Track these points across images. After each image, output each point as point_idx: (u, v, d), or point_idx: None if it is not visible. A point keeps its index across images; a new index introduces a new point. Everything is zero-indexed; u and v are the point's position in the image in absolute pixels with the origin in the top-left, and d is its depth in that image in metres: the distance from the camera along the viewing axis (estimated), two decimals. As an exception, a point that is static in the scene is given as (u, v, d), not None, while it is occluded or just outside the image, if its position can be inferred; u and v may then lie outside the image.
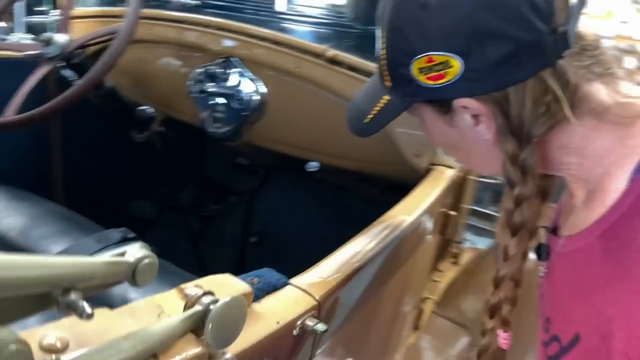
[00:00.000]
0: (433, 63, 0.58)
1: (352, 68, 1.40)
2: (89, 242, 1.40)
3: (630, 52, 4.30)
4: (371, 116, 0.72)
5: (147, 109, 1.64)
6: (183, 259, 1.35)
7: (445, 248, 2.13)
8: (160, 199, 2.11)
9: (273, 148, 1.63)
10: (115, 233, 1.44)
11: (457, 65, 0.57)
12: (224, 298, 0.50)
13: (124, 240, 1.45)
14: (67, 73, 1.65)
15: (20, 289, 0.37)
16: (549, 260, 0.67)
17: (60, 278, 0.39)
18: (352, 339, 0.91)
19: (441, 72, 0.58)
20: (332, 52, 1.41)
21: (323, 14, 3.76)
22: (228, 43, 1.58)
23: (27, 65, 1.52)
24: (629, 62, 4.30)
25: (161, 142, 1.88)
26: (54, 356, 0.40)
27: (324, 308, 0.66)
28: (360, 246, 0.83)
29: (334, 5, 3.85)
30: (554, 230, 0.69)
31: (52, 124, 1.85)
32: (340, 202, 1.86)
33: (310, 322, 0.62)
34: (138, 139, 1.84)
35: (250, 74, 1.57)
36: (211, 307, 0.50)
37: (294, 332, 0.61)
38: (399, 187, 1.25)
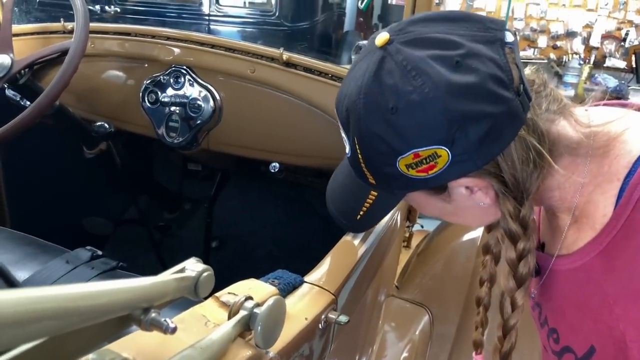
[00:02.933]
0: (420, 158, 0.58)
1: (307, 69, 1.44)
2: (58, 263, 1.38)
3: (543, 32, 4.57)
4: (362, 213, 0.70)
5: (104, 124, 1.61)
6: (148, 270, 1.35)
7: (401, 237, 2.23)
8: (113, 213, 2.07)
9: (232, 152, 1.65)
10: (84, 252, 1.42)
11: (445, 154, 0.58)
12: (268, 301, 0.54)
13: (93, 259, 1.43)
14: (11, 93, 1.60)
15: (107, 314, 0.40)
16: (540, 276, 0.70)
17: (141, 299, 0.42)
18: (348, 329, 0.97)
19: (431, 163, 0.59)
20: (286, 55, 1.45)
21: (249, 14, 3.76)
22: (177, 52, 1.59)
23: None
24: (542, 41, 4.57)
25: (111, 156, 1.85)
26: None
27: (340, 300, 0.70)
28: (354, 241, 0.88)
29: (256, 4, 3.86)
30: (540, 247, 0.72)
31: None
32: (298, 199, 1.90)
33: (332, 315, 0.67)
34: (88, 154, 1.81)
35: (202, 81, 1.58)
36: (255, 310, 0.54)
37: (320, 326, 0.66)
38: None
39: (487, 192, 0.63)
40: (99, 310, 0.38)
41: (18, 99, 1.62)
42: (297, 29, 3.54)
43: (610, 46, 4.45)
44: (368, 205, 0.69)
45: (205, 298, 0.56)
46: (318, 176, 1.73)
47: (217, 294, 0.59)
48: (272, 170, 1.59)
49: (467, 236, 2.04)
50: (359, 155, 0.63)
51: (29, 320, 0.31)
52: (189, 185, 2.11)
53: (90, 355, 0.37)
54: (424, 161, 0.59)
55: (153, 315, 0.42)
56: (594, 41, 4.46)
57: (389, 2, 4.22)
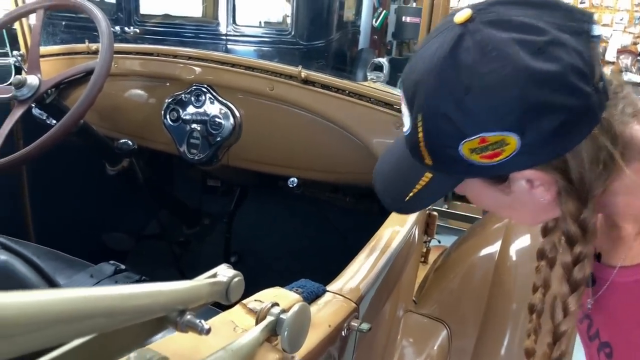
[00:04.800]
0: (487, 143, 0.56)
1: (325, 86, 1.48)
2: (83, 277, 1.42)
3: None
4: (412, 194, 0.67)
5: (127, 141, 1.66)
6: None
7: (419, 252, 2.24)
8: (134, 228, 2.11)
9: (250, 168, 1.68)
10: (108, 266, 1.46)
11: (513, 142, 0.55)
12: (293, 307, 0.56)
13: (116, 273, 1.47)
14: (37, 112, 1.66)
15: (148, 314, 0.42)
16: (595, 286, 0.68)
17: (178, 302, 0.44)
18: (369, 340, 0.98)
19: (497, 150, 0.56)
20: (305, 72, 1.49)
21: (265, 33, 3.82)
22: (199, 71, 1.63)
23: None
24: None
25: (132, 172, 1.89)
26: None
27: (361, 309, 0.72)
28: (374, 253, 0.90)
29: (272, 24, 3.93)
30: (596, 257, 0.69)
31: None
32: (316, 214, 1.92)
33: (354, 323, 0.69)
34: (110, 171, 1.85)
35: (223, 99, 1.62)
36: (282, 316, 0.56)
37: (343, 333, 0.68)
38: (372, 194, 1.33)
39: (550, 188, 0.61)
40: (141, 310, 0.41)
41: (44, 118, 1.68)
42: (313, 48, 3.59)
43: (626, 61, 4.45)
44: (419, 187, 0.66)
45: (232, 306, 0.59)
46: (335, 191, 1.76)
47: (244, 301, 0.61)
48: (291, 185, 1.62)
49: (485, 251, 2.04)
50: (420, 135, 0.60)
51: (83, 317, 0.34)
52: (208, 201, 2.14)
53: (132, 354, 0.40)
54: (490, 147, 0.56)
55: (189, 317, 0.45)
56: (610, 56, 4.46)
57: (403, 20, 4.27)
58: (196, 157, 1.67)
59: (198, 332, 0.45)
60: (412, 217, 1.07)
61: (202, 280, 0.49)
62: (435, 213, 1.44)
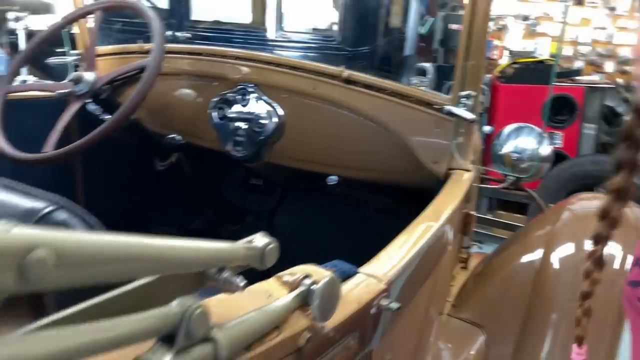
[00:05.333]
0: None
1: (367, 86, 1.51)
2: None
3: (610, 56, 4.48)
4: None
5: (175, 136, 1.73)
6: None
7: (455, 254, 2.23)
8: (179, 223, 2.18)
9: (292, 165, 1.73)
10: None
11: None
12: (324, 279, 0.60)
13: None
14: (92, 107, 1.75)
15: (191, 266, 0.46)
16: None
17: (218, 259, 0.48)
18: (398, 330, 1.00)
19: None
20: (347, 72, 1.52)
21: (312, 39, 3.89)
22: (245, 70, 1.69)
23: (52, 104, 1.61)
24: (609, 66, 4.49)
25: (181, 168, 1.97)
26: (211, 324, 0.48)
27: (392, 292, 0.75)
28: (408, 243, 0.92)
29: (318, 29, 3.99)
30: None
31: (74, 158, 1.93)
32: (356, 215, 1.95)
33: (383, 302, 0.71)
34: (159, 166, 1.93)
35: (267, 98, 1.67)
36: (312, 287, 0.59)
37: (372, 311, 0.70)
38: (414, 197, 1.35)
39: None
40: (183, 262, 0.44)
41: (99, 113, 1.77)
42: (358, 53, 3.63)
43: None
44: None
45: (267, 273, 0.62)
46: (375, 192, 1.78)
47: (278, 274, 0.65)
48: (330, 184, 1.65)
49: (526, 258, 2.02)
50: None
51: (133, 259, 0.38)
52: (251, 199, 2.20)
53: (174, 302, 0.43)
54: None
55: (226, 274, 0.49)
56: None
57: (450, 27, 4.26)
58: (240, 154, 1.72)
59: (234, 289, 0.48)
60: (445, 214, 1.08)
61: (239, 243, 0.52)
62: (473, 213, 1.45)
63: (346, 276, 0.73)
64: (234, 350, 0.48)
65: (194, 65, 1.78)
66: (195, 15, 3.80)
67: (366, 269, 0.77)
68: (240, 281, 0.49)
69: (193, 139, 1.86)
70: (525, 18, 4.86)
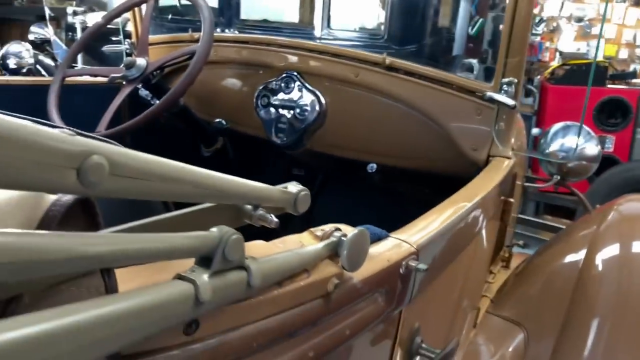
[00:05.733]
0: None
1: (409, 73, 1.53)
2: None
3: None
4: None
5: (221, 120, 1.79)
6: None
7: (497, 252, 2.22)
8: None
9: (332, 153, 1.76)
10: None
11: None
12: (353, 230, 0.63)
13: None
14: (144, 93, 1.82)
15: (227, 198, 0.50)
16: None
17: (254, 196, 0.52)
18: (434, 304, 1.02)
19: None
20: (389, 59, 1.55)
21: (358, 37, 3.92)
22: (289, 59, 1.74)
23: (109, 88, 1.70)
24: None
25: (226, 155, 2.03)
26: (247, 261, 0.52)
27: (421, 256, 0.77)
28: (442, 215, 0.94)
29: (365, 28, 4.03)
30: None
31: (125, 141, 2.02)
32: (396, 203, 1.96)
33: (412, 263, 0.74)
34: (205, 152, 2.00)
35: (310, 86, 1.71)
36: (342, 238, 0.62)
37: (401, 270, 0.73)
38: (455, 186, 1.36)
39: None
40: (222, 192, 0.48)
41: (149, 99, 1.85)
42: (405, 52, 3.64)
43: None
44: None
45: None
46: (416, 180, 1.79)
47: (311, 229, 0.68)
48: (370, 171, 1.68)
49: (569, 258, 2.00)
50: None
51: (177, 180, 0.42)
52: None
53: (213, 228, 0.47)
54: None
55: (261, 211, 0.52)
56: None
57: (499, 28, 4.21)
58: (282, 141, 1.77)
59: (268, 224, 0.52)
60: (479, 195, 1.09)
61: (276, 187, 0.56)
62: (512, 200, 1.45)
63: (376, 238, 0.76)
64: (265, 281, 0.51)
65: (241, 53, 1.84)
66: (244, 14, 3.90)
67: (397, 234, 0.80)
68: (274, 218, 0.53)
69: (238, 127, 1.92)
70: (580, 20, 4.76)
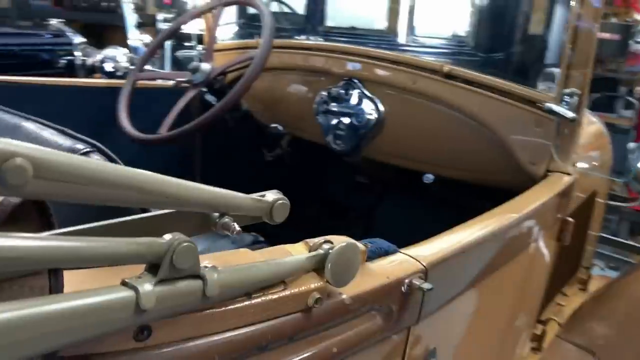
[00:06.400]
0: None
1: (468, 81, 1.47)
2: (225, 243, 1.58)
3: None
4: None
5: (277, 126, 1.81)
6: None
7: (573, 272, 2.07)
8: None
9: (391, 162, 1.72)
10: (248, 236, 1.60)
11: None
12: (341, 243, 0.60)
13: (255, 243, 1.61)
14: (209, 97, 1.88)
15: (192, 205, 0.49)
16: None
17: (219, 204, 0.51)
18: (461, 321, 0.96)
19: None
20: (448, 67, 1.49)
21: (443, 44, 3.83)
22: (350, 66, 1.72)
23: (177, 91, 1.76)
24: None
25: (288, 161, 2.05)
26: (208, 264, 0.51)
27: (431, 274, 0.73)
28: (467, 231, 0.89)
29: (452, 35, 3.91)
30: None
31: (195, 143, 2.10)
32: (454, 219, 1.89)
33: (416, 282, 0.69)
34: (268, 157, 2.03)
35: (369, 93, 1.69)
36: (329, 251, 0.60)
37: (403, 289, 0.69)
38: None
39: None
40: (175, 200, 0.48)
41: (214, 103, 1.90)
42: (492, 60, 3.51)
43: None
44: None
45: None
46: (474, 195, 1.71)
47: (307, 240, 0.66)
48: (426, 182, 1.63)
49: (656, 285, 1.85)
50: None
51: (119, 186, 0.42)
52: (354, 197, 2.22)
53: (165, 235, 0.46)
54: None
55: (226, 219, 0.51)
56: None
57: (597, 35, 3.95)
58: (340, 148, 1.76)
59: (230, 232, 0.51)
60: (522, 211, 1.02)
61: (248, 195, 0.55)
62: (571, 220, 1.34)
63: (383, 253, 0.73)
64: (226, 292, 0.50)
65: (304, 60, 1.84)
66: (331, 22, 3.94)
67: (408, 249, 0.76)
68: (237, 227, 0.51)
69: (300, 133, 1.93)
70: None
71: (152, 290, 0.44)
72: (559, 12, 3.46)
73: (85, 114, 1.83)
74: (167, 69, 2.70)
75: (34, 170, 0.37)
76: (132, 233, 0.48)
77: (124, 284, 0.44)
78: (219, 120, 1.63)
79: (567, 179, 1.27)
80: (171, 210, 0.51)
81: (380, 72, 1.65)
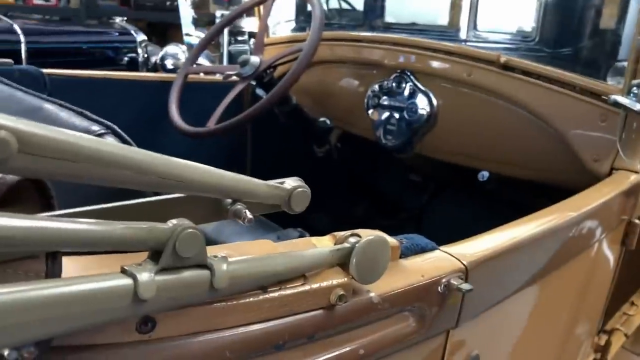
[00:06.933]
0: None
1: (526, 73, 1.38)
2: (270, 237, 1.56)
3: None
4: None
5: (326, 120, 1.77)
6: None
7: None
8: (335, 210, 2.22)
9: (444, 159, 1.65)
10: (294, 232, 1.58)
11: None
12: (367, 237, 0.55)
13: (300, 238, 1.58)
14: (260, 91, 1.86)
15: (204, 190, 0.46)
16: None
17: (230, 189, 0.47)
18: (510, 327, 0.89)
19: None
20: (505, 57, 1.41)
21: (507, 39, 3.69)
22: (402, 58, 1.66)
23: (228, 85, 1.75)
24: None
25: (339, 156, 2.00)
26: (220, 255, 0.47)
27: (472, 274, 0.67)
28: (517, 229, 0.82)
29: (516, 29, 3.77)
30: None
31: (246, 137, 2.10)
32: (513, 218, 1.80)
33: (455, 282, 0.64)
34: (318, 152, 1.99)
35: (422, 87, 1.62)
36: (356, 245, 0.55)
37: (439, 289, 0.63)
38: None
39: None
40: (191, 184, 0.45)
41: (263, 97, 1.88)
42: (559, 55, 3.34)
43: None
44: None
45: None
46: (535, 193, 1.62)
47: (335, 233, 0.62)
48: (481, 179, 1.55)
49: None
50: None
51: (113, 165, 0.39)
52: (407, 195, 2.15)
53: (169, 221, 0.43)
54: None
55: (238, 206, 0.48)
56: None
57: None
58: (390, 143, 1.70)
59: (242, 220, 0.47)
60: (579, 210, 0.94)
61: (264, 182, 0.51)
62: (637, 222, 1.23)
63: (420, 250, 0.67)
64: (237, 284, 0.46)
65: (356, 52, 1.80)
66: (393, 18, 3.88)
67: (449, 247, 0.70)
68: (248, 214, 0.48)
69: (349, 127, 1.89)
70: None
71: (152, 279, 0.41)
72: (632, 4, 3.26)
73: (139, 107, 1.86)
74: (225, 64, 2.73)
75: (19, 144, 0.34)
76: (138, 217, 0.45)
77: (123, 271, 0.41)
78: (269, 114, 1.61)
79: (634, 178, 1.17)
80: (180, 195, 0.48)
81: (433, 63, 1.59)
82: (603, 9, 3.29)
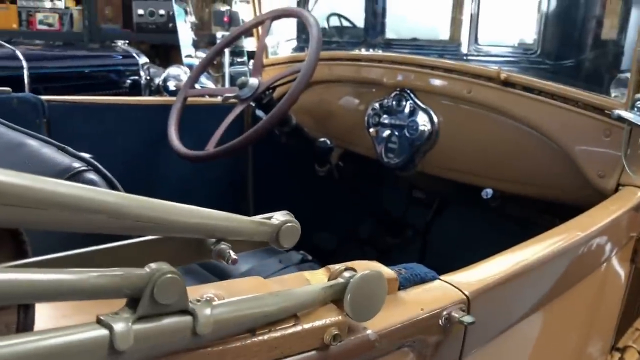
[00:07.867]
0: None
1: (527, 88, 1.36)
2: (272, 262, 1.53)
3: None
4: None
5: (326, 140, 1.76)
6: None
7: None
8: (339, 230, 2.20)
9: (446, 176, 1.63)
10: (296, 255, 1.55)
11: None
12: (362, 271, 0.53)
13: (303, 262, 1.55)
14: (260, 113, 1.85)
15: (184, 231, 0.44)
16: None
17: (213, 228, 0.45)
18: (518, 355, 0.86)
19: None
20: (505, 74, 1.39)
21: (508, 52, 3.67)
22: (401, 76, 1.64)
23: (228, 107, 1.74)
24: None
25: (340, 175, 1.98)
26: (206, 296, 0.45)
27: (474, 304, 0.64)
28: (521, 254, 0.79)
29: (517, 42, 3.75)
30: None
31: (247, 158, 2.08)
32: (519, 235, 1.77)
33: (456, 314, 0.61)
34: (320, 172, 1.97)
35: (422, 104, 1.60)
36: (351, 280, 0.53)
37: (440, 322, 0.61)
38: None
39: None
40: (171, 225, 0.42)
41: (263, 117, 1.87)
42: (561, 67, 3.32)
43: None
44: None
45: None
46: (541, 210, 1.59)
47: (329, 266, 0.59)
48: (485, 197, 1.52)
49: None
50: None
51: (88, 211, 0.37)
52: (412, 212, 2.13)
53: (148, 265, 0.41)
54: None
55: (222, 246, 0.46)
56: None
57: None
58: (392, 162, 1.68)
59: (225, 261, 0.45)
60: (586, 230, 0.91)
61: (250, 218, 0.49)
62: (646, 239, 1.20)
63: (419, 280, 0.65)
64: (222, 329, 0.44)
65: (354, 71, 1.79)
66: (393, 34, 3.87)
67: (450, 276, 0.67)
68: (232, 255, 0.45)
69: (351, 146, 1.87)
70: None
71: (129, 328, 0.39)
72: (634, 15, 3.23)
73: (139, 131, 1.85)
74: (227, 84, 2.73)
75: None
76: (116, 261, 0.43)
77: (98, 321, 0.39)
78: (270, 135, 1.59)
79: None
80: (159, 237, 0.46)
81: (433, 81, 1.57)
82: (604, 20, 3.27)
